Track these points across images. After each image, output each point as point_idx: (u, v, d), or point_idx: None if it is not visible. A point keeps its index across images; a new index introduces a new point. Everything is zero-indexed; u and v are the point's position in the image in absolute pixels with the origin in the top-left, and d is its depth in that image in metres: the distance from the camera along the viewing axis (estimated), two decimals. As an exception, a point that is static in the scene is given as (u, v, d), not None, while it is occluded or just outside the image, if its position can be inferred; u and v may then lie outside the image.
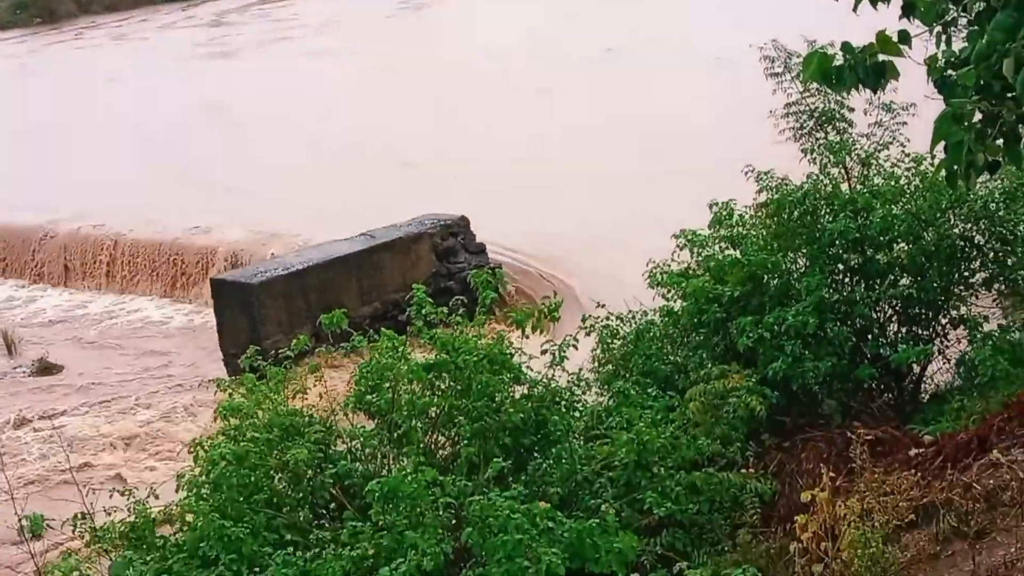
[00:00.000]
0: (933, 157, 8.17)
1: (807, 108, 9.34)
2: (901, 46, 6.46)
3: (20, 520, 6.93)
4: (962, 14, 6.65)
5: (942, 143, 6.61)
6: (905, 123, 9.15)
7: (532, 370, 7.79)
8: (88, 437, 16.10)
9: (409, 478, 6.52)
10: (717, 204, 9.17)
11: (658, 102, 24.85)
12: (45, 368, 19.03)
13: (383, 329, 8.07)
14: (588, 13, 35.58)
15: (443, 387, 7.60)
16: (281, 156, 26.06)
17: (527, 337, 7.73)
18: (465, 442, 7.19)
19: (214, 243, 21.11)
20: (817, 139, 9.18)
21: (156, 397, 17.08)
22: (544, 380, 7.75)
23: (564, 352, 7.73)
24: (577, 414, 7.93)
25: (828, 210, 8.69)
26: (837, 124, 9.20)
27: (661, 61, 28.31)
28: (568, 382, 8.02)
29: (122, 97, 34.55)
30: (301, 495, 7.26)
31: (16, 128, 31.95)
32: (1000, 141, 5.96)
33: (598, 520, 6.64)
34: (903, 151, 9.10)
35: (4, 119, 33.47)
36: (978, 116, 6.33)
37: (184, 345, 19.20)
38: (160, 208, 23.06)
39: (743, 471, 7.35)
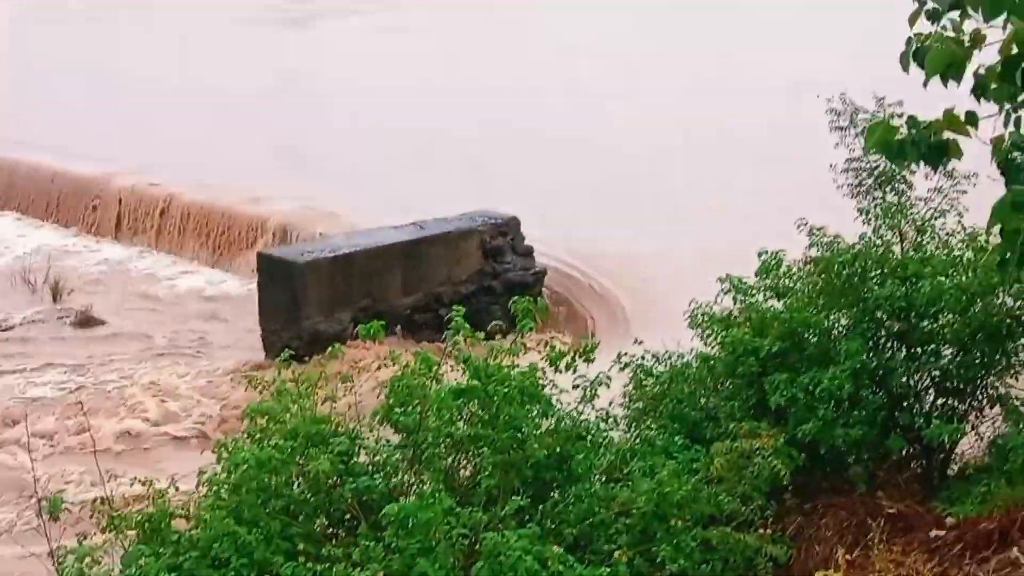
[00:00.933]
0: (989, 235, 8.09)
1: (868, 165, 9.24)
2: (968, 127, 6.38)
3: (39, 501, 7.00)
4: (1034, 98, 6.55)
5: (999, 226, 6.53)
6: (965, 192, 9.04)
7: (561, 403, 7.78)
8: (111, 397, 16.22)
9: (425, 504, 6.56)
10: (766, 252, 9.11)
11: (737, 124, 24.64)
12: (87, 320, 19.24)
13: (417, 351, 8.06)
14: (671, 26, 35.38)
15: (471, 411, 7.60)
16: (342, 134, 26.12)
17: (560, 372, 7.70)
18: (486, 473, 7.19)
19: (265, 214, 21.21)
20: (875, 198, 9.09)
21: (186, 365, 17.20)
22: (573, 415, 7.73)
23: (596, 390, 7.72)
24: (602, 450, 7.92)
25: (877, 273, 8.62)
26: (896, 185, 9.10)
27: (744, 83, 28.09)
28: (597, 417, 8.01)
29: (194, 58, 34.70)
30: (318, 505, 7.29)
31: (89, 77, 32.09)
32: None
33: (610, 568, 6.65)
34: (960, 221, 9.00)
35: (74, 66, 33.67)
36: (1039, 205, 6.23)
37: (224, 314, 19.33)
38: (220, 171, 23.20)
39: (760, 531, 7.32)
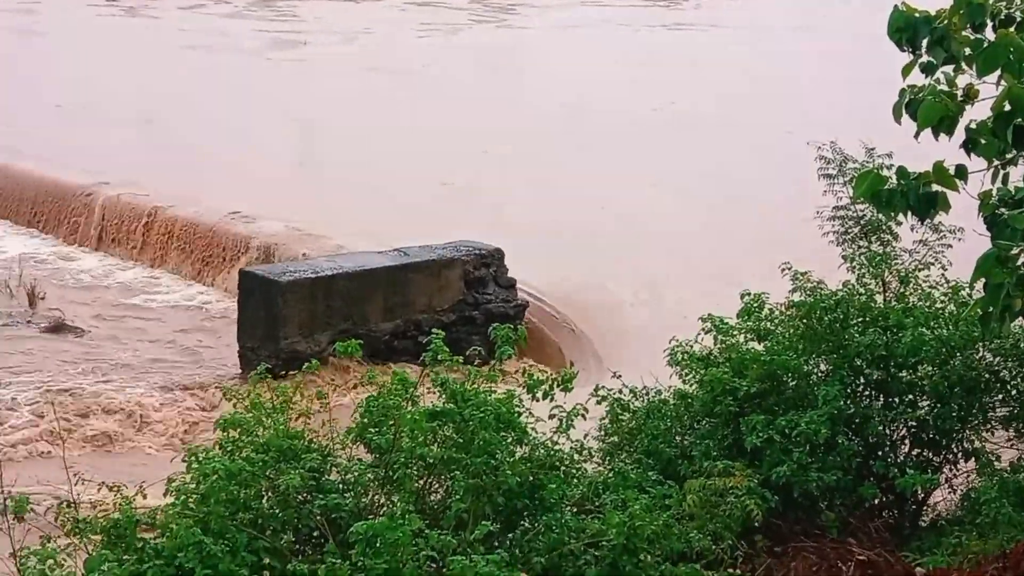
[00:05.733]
0: (972, 289, 8.11)
1: (855, 214, 9.29)
2: (957, 180, 6.39)
3: (4, 500, 6.93)
4: (1021, 155, 6.59)
5: (982, 280, 6.53)
6: (950, 246, 9.09)
7: (536, 431, 7.75)
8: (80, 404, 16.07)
9: (394, 525, 6.52)
10: (748, 295, 9.13)
11: (724, 163, 24.76)
12: (58, 327, 19.11)
13: (395, 369, 8.03)
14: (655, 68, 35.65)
15: (445, 434, 7.56)
16: (332, 155, 26.19)
17: (536, 400, 7.68)
18: (457, 497, 7.15)
19: (250, 232, 21.14)
20: (860, 247, 9.13)
21: (160, 377, 17.09)
22: (547, 444, 7.71)
23: (572, 421, 7.69)
24: (575, 481, 7.90)
25: (859, 321, 8.64)
26: (882, 235, 9.15)
27: (731, 120, 28.27)
28: (571, 448, 7.99)
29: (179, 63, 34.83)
30: (286, 519, 7.25)
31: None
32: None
33: (577, 599, 6.62)
34: (943, 274, 9.04)
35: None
36: (1022, 260, 6.25)
37: (203, 329, 19.23)
38: (208, 187, 23.22)
39: (730, 571, 7.29)
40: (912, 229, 8.96)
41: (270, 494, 7.32)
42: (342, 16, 45.32)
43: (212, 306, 20.13)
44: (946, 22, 5.87)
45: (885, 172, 6.19)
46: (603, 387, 8.91)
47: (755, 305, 9.03)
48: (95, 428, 15.23)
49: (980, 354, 8.60)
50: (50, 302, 19.84)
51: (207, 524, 6.84)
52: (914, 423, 8.62)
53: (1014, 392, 8.66)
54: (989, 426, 8.67)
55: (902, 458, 8.67)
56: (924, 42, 5.85)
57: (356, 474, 7.46)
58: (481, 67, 37.42)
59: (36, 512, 7.00)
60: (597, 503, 7.60)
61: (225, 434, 7.61)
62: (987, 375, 8.59)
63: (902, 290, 8.96)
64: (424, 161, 25.54)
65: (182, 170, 24.62)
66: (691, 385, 8.72)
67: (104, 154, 25.71)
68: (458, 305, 17.94)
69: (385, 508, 7.21)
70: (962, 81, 6.11)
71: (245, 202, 22.42)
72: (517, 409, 7.62)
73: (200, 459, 7.21)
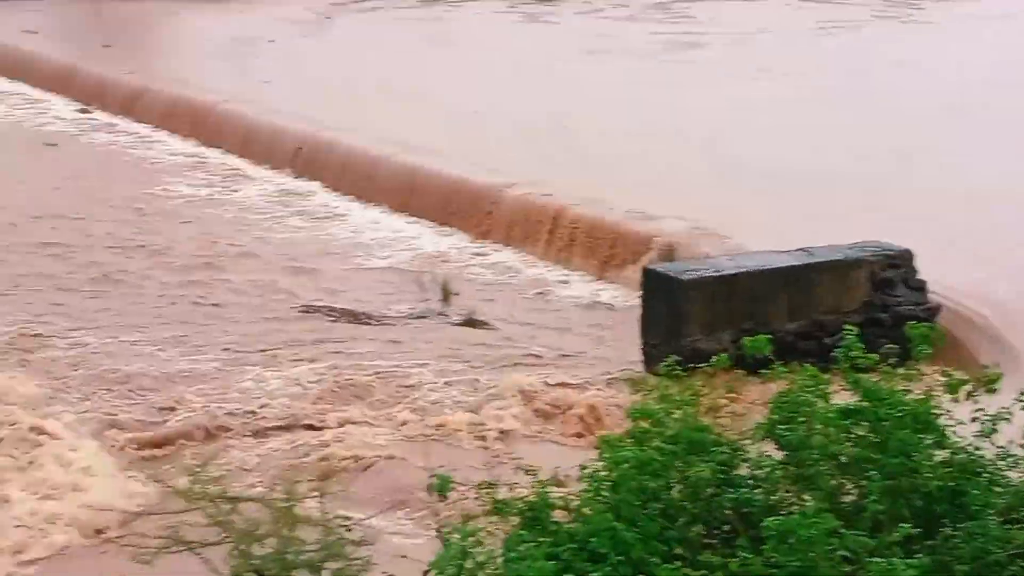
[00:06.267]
0: None
1: None
2: None
3: (430, 479, 7.29)
4: None
5: None
6: None
7: (956, 435, 7.41)
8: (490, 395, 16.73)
9: (808, 522, 6.40)
10: None
11: None
12: (470, 321, 19.99)
13: (805, 365, 7.87)
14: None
15: (858, 433, 7.35)
16: (729, 156, 26.10)
17: (956, 403, 7.34)
18: (873, 497, 6.93)
19: (651, 231, 21.41)
20: None
21: (566, 370, 17.53)
22: (969, 448, 7.35)
23: (995, 426, 7.30)
24: (999, 489, 7.48)
25: None
26: None
27: None
28: (995, 455, 7.58)
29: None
30: (696, 512, 7.24)
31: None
32: None
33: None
34: None
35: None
36: None
37: (606, 325, 19.64)
38: (610, 187, 23.70)
39: None
40: None
41: (679, 486, 7.33)
42: (737, 16, 45.13)
43: (615, 303, 20.51)
44: None
45: None
46: (1030, 391, 8.38)
47: None
48: (502, 422, 15.82)
49: None
50: (462, 297, 20.78)
51: (619, 511, 6.93)
52: None
53: None
54: None
55: None
56: None
57: (767, 470, 7.36)
58: (888, 64, 36.34)
59: (459, 491, 7.30)
60: (1024, 513, 7.16)
61: (635, 424, 7.68)
62: None
63: None
64: (826, 159, 25.07)
65: (584, 170, 25.27)
66: None
67: (511, 156, 26.71)
68: (864, 307, 17.49)
69: (796, 505, 7.09)
70: None
71: (646, 201, 22.73)
72: (935, 411, 7.32)
73: (612, 447, 7.31)
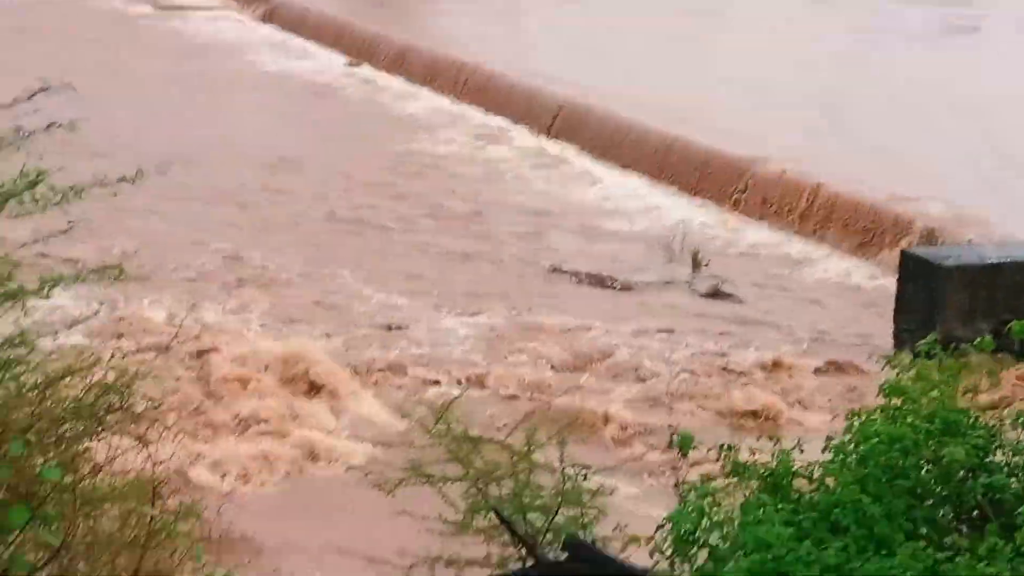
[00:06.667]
0: None
1: None
2: None
3: (672, 435, 7.25)
4: None
5: None
6: None
7: None
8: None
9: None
10: None
11: None
12: (716, 293, 19.79)
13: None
14: None
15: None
16: (1000, 145, 25.02)
17: None
18: None
19: (913, 214, 20.75)
20: None
21: (813, 348, 17.22)
22: None
23: None
24: None
25: None
26: None
27: None
28: None
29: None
30: (946, 494, 6.99)
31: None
32: None
33: None
34: None
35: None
36: None
37: (857, 306, 19.19)
38: (870, 166, 23.06)
39: None
40: None
41: (930, 466, 7.09)
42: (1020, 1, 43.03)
43: (868, 284, 20.00)
44: None
45: None
46: None
47: None
48: (751, 388, 15.69)
49: None
50: (710, 268, 20.57)
51: (865, 485, 6.75)
52: None
53: None
54: None
55: None
56: None
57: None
58: None
59: (699, 450, 7.24)
60: None
61: (888, 401, 7.46)
62: None
63: None
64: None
65: (847, 149, 24.65)
66: None
67: (767, 129, 26.21)
68: None
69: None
70: None
71: (909, 183, 22.04)
72: None
73: (862, 421, 7.12)
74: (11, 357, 4.87)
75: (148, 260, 18.42)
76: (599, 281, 20.36)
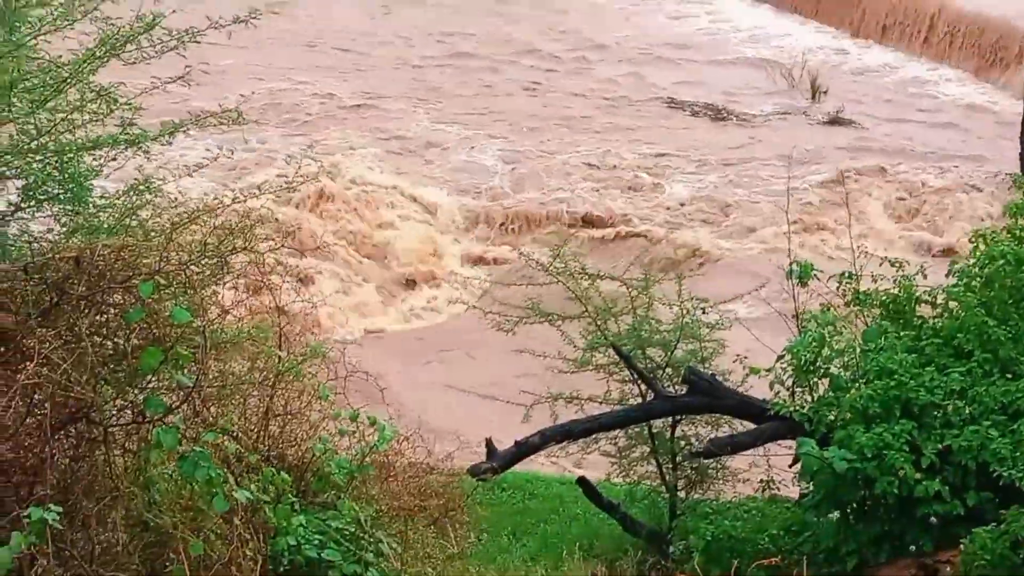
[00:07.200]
0: None
1: None
2: None
3: (791, 264, 7.14)
4: None
5: None
6: None
7: None
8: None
9: None
10: None
11: None
12: (837, 119, 19.36)
13: None
14: None
15: None
16: None
17: None
18: None
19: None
20: None
21: (938, 170, 16.89)
22: None
23: None
24: None
25: None
26: None
27: None
28: None
29: None
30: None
31: None
32: None
33: None
34: None
35: None
36: None
37: (983, 126, 18.68)
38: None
39: None
40: None
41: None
42: None
43: (993, 105, 19.40)
44: None
45: None
46: None
47: None
48: (872, 211, 15.51)
49: None
50: (830, 95, 20.10)
51: (990, 308, 6.61)
52: None
53: None
54: None
55: None
56: None
57: None
58: None
59: (819, 280, 7.13)
60: None
61: (1015, 221, 7.25)
62: None
63: None
64: None
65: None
66: None
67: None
68: None
69: None
70: None
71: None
72: None
73: (987, 242, 6.94)
74: (136, 202, 4.96)
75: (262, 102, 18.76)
76: (715, 112, 20.03)
